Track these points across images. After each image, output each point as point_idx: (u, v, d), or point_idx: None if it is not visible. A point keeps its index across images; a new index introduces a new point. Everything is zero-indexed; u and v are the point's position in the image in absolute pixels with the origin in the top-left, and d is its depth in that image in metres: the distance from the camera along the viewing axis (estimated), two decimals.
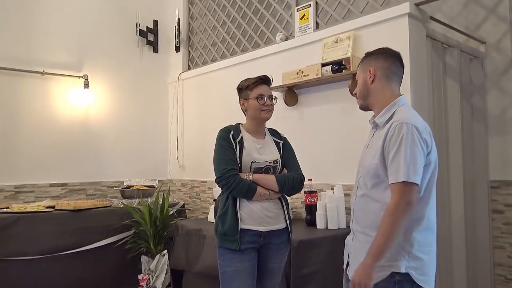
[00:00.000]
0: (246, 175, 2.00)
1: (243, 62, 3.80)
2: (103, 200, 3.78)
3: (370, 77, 1.67)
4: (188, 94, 4.57)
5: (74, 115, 4.11)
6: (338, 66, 2.96)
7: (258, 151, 2.09)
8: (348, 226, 2.79)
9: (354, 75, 2.88)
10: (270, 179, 2.02)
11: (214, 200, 2.27)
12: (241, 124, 2.20)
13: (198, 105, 4.40)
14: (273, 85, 2.29)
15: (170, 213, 3.53)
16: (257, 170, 2.05)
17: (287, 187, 2.04)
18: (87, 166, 4.16)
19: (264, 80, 2.15)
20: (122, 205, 3.46)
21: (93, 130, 4.23)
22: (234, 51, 4.08)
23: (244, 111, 2.17)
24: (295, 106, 3.35)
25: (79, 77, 4.11)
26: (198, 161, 4.35)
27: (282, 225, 2.08)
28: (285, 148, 2.19)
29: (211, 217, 3.18)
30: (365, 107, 1.75)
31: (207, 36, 4.46)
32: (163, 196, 3.54)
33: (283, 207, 2.10)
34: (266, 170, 2.07)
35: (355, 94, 1.78)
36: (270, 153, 2.11)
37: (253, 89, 2.11)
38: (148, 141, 4.64)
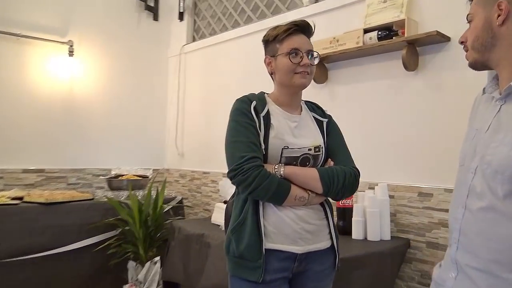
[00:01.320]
0: (274, 168, 1.33)
1: (260, 31, 3.12)
2: (84, 192, 3.13)
3: (500, 15, 1.00)
4: (191, 70, 3.90)
5: (55, 88, 3.45)
6: (387, 32, 2.30)
7: (293, 132, 1.40)
8: (393, 238, 2.17)
9: (410, 42, 2.30)
10: (310, 175, 1.33)
11: (225, 202, 1.58)
12: (267, 93, 1.52)
13: (204, 82, 3.73)
14: None
15: (165, 210, 2.88)
16: (291, 160, 1.37)
17: (336, 187, 1.33)
18: (69, 149, 3.51)
19: (301, 28, 1.44)
20: (106, 199, 2.80)
21: (78, 107, 3.57)
22: (249, 19, 3.40)
23: (271, 74, 1.49)
24: (324, 83, 2.68)
25: (63, 43, 3.44)
26: (201, 148, 3.69)
27: (326, 244, 1.41)
28: (331, 130, 1.50)
29: (216, 218, 2.53)
30: (480, 64, 1.08)
31: (216, 1, 3.77)
32: (157, 189, 2.89)
33: (327, 217, 1.42)
34: (303, 160, 1.39)
35: (463, 43, 1.11)
36: (309, 136, 1.43)
37: (283, 40, 1.42)
38: (143, 123, 3.98)
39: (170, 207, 2.93)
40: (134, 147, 3.89)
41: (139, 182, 3.35)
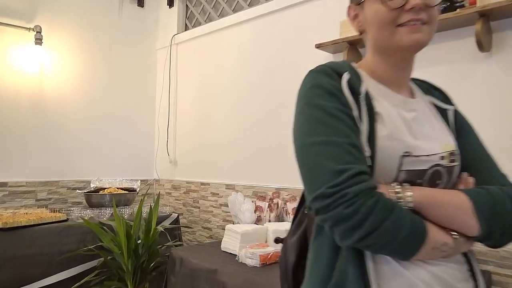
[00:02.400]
0: (394, 191, 0.72)
1: (267, 15, 2.59)
2: (55, 210, 2.52)
3: None
4: (184, 64, 3.33)
5: (20, 84, 2.83)
6: (449, 3, 1.79)
7: (411, 129, 0.80)
8: None
9: (483, 14, 1.79)
10: (456, 203, 0.73)
11: (278, 240, 0.98)
12: (353, 63, 0.87)
13: (199, 78, 3.17)
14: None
15: (159, 232, 2.29)
16: (413, 177, 0.76)
17: (501, 223, 0.73)
18: (38, 158, 2.89)
19: None
20: (82, 221, 2.20)
21: (49, 107, 2.96)
22: (254, 0, 2.87)
23: (360, 33, 0.89)
24: None
25: (29, 29, 2.84)
26: (197, 155, 3.12)
27: None
28: (462, 125, 0.91)
29: (228, 245, 1.97)
30: None
31: None
32: (150, 206, 2.31)
33: (473, 275, 0.81)
34: (433, 177, 0.79)
35: None
36: (436, 136, 0.83)
37: None
38: (128, 126, 3.39)
39: (163, 227, 2.33)
40: (117, 154, 3.30)
41: (124, 197, 2.77)
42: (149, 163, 3.51)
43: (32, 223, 2.16)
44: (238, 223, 2.16)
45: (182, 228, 2.96)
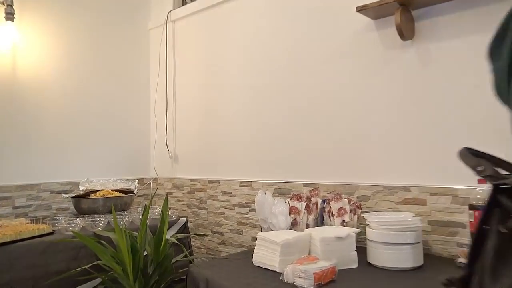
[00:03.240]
0: None
1: None
2: (37, 220, 2.06)
3: None
4: (183, 44, 2.89)
5: None
6: None
7: None
8: None
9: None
10: None
11: (452, 283, 0.63)
12: None
13: (203, 60, 2.73)
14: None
15: (171, 244, 1.85)
16: None
17: None
18: (13, 157, 2.42)
19: None
20: (71, 233, 1.74)
21: (25, 95, 2.48)
22: None
23: None
24: (411, 40, 1.76)
25: None
26: (202, 148, 2.69)
27: None
28: None
29: (262, 259, 1.55)
30: None
31: None
32: (162, 212, 1.86)
33: None
34: None
35: None
36: None
37: None
38: (119, 117, 2.93)
39: (176, 238, 1.88)
40: (108, 150, 2.84)
41: (121, 200, 2.32)
42: (145, 159, 3.06)
43: (8, 240, 1.70)
44: (269, 229, 1.75)
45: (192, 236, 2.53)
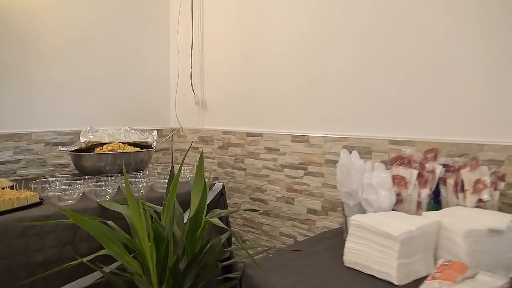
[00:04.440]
0: None
1: None
2: (24, 181, 1.49)
3: None
4: None
5: None
6: None
7: None
8: None
9: None
10: None
11: None
12: None
13: None
14: None
15: (210, 226, 1.26)
16: None
17: None
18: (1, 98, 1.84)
19: None
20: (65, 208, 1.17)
21: (11, 18, 1.85)
22: None
23: None
24: None
25: None
26: (241, 93, 2.07)
27: None
28: None
29: (359, 258, 0.97)
30: None
31: None
32: (197, 174, 1.27)
33: None
34: None
35: None
36: None
37: None
38: (131, 48, 2.29)
39: (218, 215, 1.28)
40: (116, 92, 2.23)
41: (136, 157, 1.75)
42: (164, 105, 2.45)
43: None
44: (359, 209, 1.15)
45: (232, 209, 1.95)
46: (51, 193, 1.33)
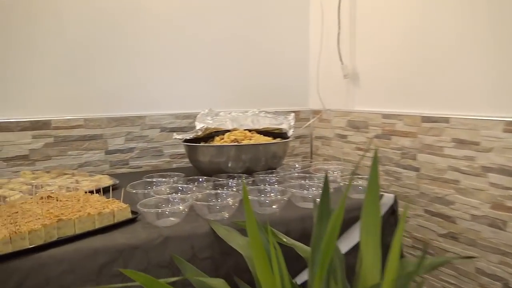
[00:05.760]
0: None
1: None
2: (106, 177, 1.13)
3: None
4: None
5: None
6: None
7: None
8: None
9: None
10: None
11: None
12: None
13: None
14: None
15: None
16: None
17: None
18: (102, 81, 1.53)
19: None
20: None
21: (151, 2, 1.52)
22: None
23: None
24: None
25: None
26: (409, 60, 1.42)
27: None
28: None
29: None
30: None
31: None
32: (369, 188, 0.75)
33: None
34: None
35: None
36: None
37: None
38: (257, 10, 1.81)
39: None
40: (239, 64, 1.78)
41: (267, 151, 1.26)
42: (300, 79, 1.92)
43: (39, 243, 0.76)
44: None
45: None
46: (145, 209, 0.91)
